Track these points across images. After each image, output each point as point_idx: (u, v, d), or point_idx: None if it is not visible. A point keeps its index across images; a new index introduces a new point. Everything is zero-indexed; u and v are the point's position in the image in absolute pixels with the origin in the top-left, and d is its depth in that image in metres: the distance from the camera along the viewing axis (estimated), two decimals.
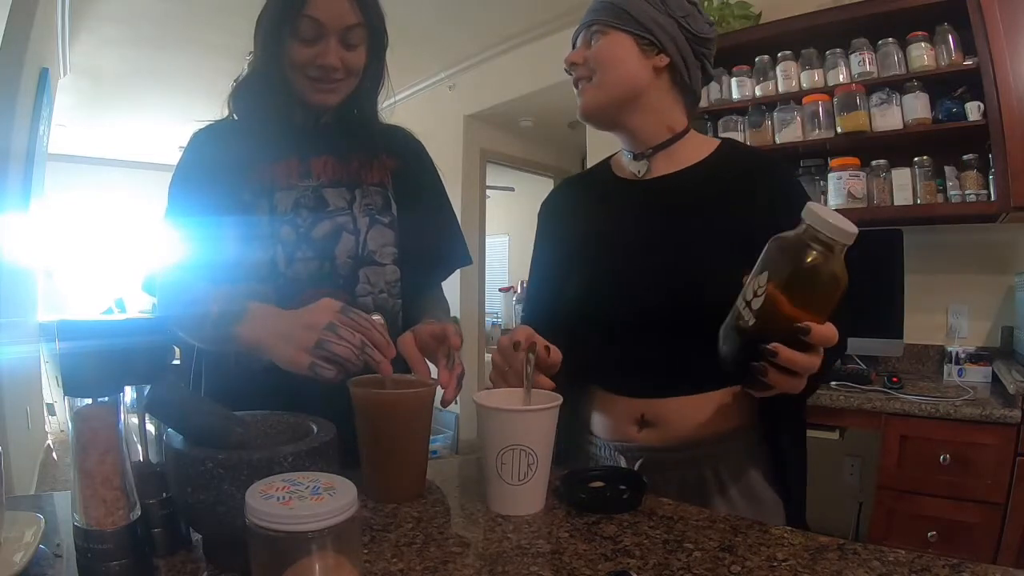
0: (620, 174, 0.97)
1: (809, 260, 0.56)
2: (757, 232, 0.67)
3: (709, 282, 0.80)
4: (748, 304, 0.60)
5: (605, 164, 1.02)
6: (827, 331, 0.60)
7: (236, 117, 1.00)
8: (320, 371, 0.73)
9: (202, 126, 0.99)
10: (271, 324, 0.77)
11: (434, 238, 1.06)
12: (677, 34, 0.88)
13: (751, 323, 0.60)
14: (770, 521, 0.71)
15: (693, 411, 0.86)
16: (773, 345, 0.60)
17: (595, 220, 0.95)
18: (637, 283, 0.87)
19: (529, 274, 1.06)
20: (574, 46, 0.94)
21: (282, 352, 0.74)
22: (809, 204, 0.59)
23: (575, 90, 0.93)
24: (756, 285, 0.60)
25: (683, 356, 0.83)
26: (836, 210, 1.57)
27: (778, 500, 0.86)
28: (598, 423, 0.94)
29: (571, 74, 0.92)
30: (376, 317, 0.79)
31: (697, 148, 0.93)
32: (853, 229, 0.57)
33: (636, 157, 0.93)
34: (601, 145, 3.25)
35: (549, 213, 1.04)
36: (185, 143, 0.99)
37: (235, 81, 1.00)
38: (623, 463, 0.88)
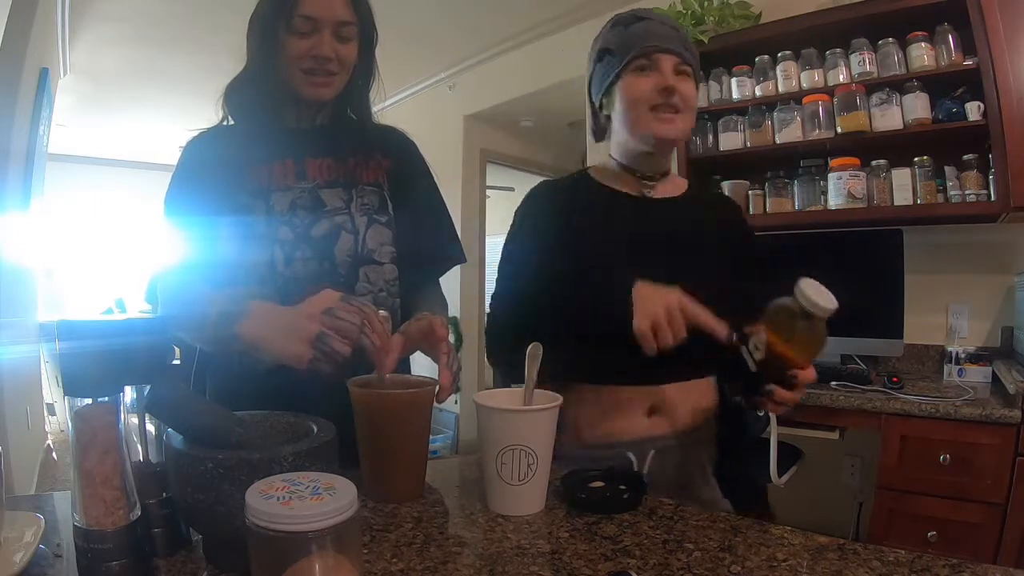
0: (617, 187, 1.04)
1: (800, 325, 0.76)
2: (731, 252, 1.00)
3: (709, 282, 0.94)
4: (752, 354, 0.79)
5: (585, 176, 1.08)
6: (810, 375, 0.80)
7: (230, 119, 1.00)
8: (319, 365, 0.73)
9: (195, 134, 1.00)
10: (272, 320, 0.77)
11: (429, 237, 1.06)
12: None
13: (755, 369, 0.79)
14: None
15: (693, 394, 0.96)
16: (772, 387, 0.79)
17: (612, 227, 0.99)
18: (662, 283, 0.92)
19: (508, 268, 1.04)
20: (637, 61, 0.96)
21: (283, 346, 0.75)
22: (801, 281, 0.76)
23: (659, 113, 0.95)
24: (758, 340, 0.78)
25: (686, 345, 0.90)
26: (836, 210, 1.63)
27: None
28: (597, 429, 0.95)
29: (670, 93, 0.94)
30: (383, 313, 0.80)
31: (677, 181, 1.09)
32: (833, 305, 0.75)
33: (645, 178, 1.03)
34: (602, 146, 3.25)
35: (543, 213, 1.03)
36: (183, 145, 0.99)
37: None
38: (634, 461, 0.92)
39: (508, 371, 0.99)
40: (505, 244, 1.06)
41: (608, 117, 1.05)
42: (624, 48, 0.97)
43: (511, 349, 0.87)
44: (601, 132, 1.10)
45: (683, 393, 0.95)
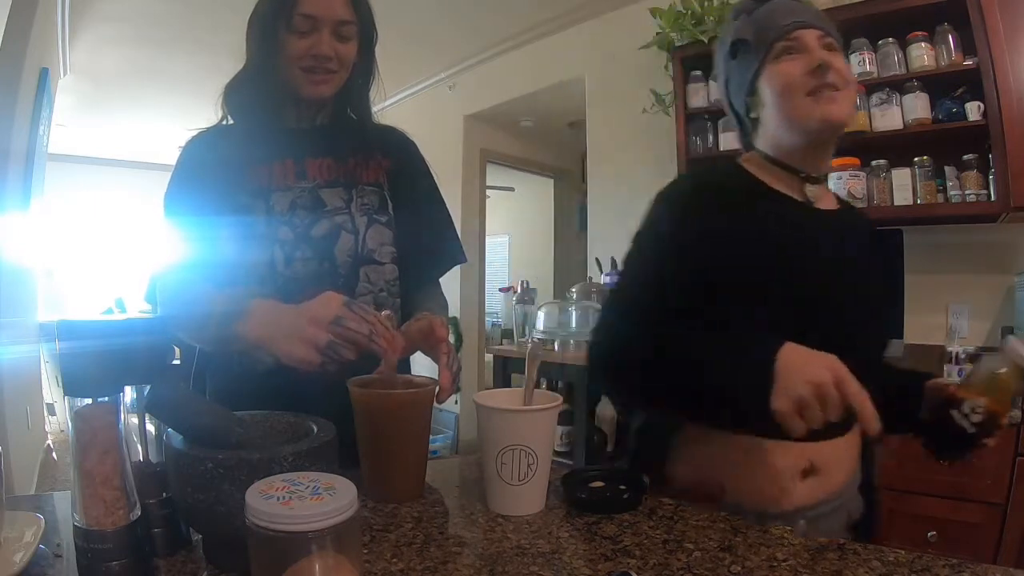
0: (778, 187, 0.88)
1: (1009, 382, 0.81)
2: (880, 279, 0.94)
3: (879, 316, 0.92)
4: (967, 416, 0.81)
5: (739, 171, 0.90)
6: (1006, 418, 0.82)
7: (229, 119, 1.00)
8: (326, 366, 0.74)
9: (195, 133, 1.00)
10: (275, 320, 0.77)
11: (429, 237, 1.06)
12: None
13: (972, 431, 0.82)
14: None
15: (850, 449, 0.83)
16: (988, 441, 0.83)
17: (776, 237, 0.84)
18: (838, 313, 0.83)
19: (632, 274, 0.87)
20: (778, 44, 0.84)
21: (288, 348, 0.74)
22: (1011, 340, 0.79)
23: (818, 96, 0.82)
24: (975, 405, 0.81)
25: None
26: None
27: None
28: (743, 493, 0.80)
29: (824, 69, 0.81)
30: (386, 312, 0.80)
31: (828, 192, 0.95)
32: None
33: (809, 180, 0.88)
34: (602, 146, 3.25)
35: (693, 218, 0.84)
36: (183, 145, 0.99)
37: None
38: None
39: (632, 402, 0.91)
40: (639, 244, 0.86)
41: (756, 120, 0.90)
42: (761, 34, 0.85)
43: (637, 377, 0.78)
44: (749, 138, 0.94)
45: (840, 449, 0.81)
